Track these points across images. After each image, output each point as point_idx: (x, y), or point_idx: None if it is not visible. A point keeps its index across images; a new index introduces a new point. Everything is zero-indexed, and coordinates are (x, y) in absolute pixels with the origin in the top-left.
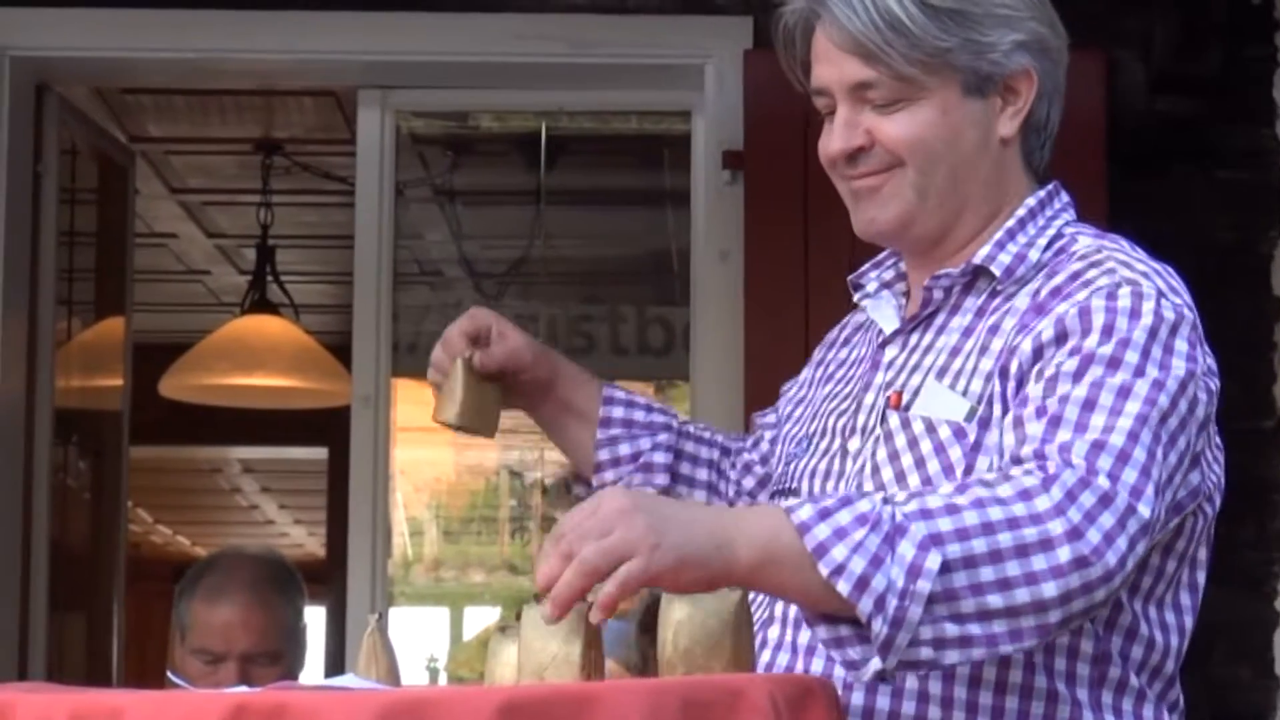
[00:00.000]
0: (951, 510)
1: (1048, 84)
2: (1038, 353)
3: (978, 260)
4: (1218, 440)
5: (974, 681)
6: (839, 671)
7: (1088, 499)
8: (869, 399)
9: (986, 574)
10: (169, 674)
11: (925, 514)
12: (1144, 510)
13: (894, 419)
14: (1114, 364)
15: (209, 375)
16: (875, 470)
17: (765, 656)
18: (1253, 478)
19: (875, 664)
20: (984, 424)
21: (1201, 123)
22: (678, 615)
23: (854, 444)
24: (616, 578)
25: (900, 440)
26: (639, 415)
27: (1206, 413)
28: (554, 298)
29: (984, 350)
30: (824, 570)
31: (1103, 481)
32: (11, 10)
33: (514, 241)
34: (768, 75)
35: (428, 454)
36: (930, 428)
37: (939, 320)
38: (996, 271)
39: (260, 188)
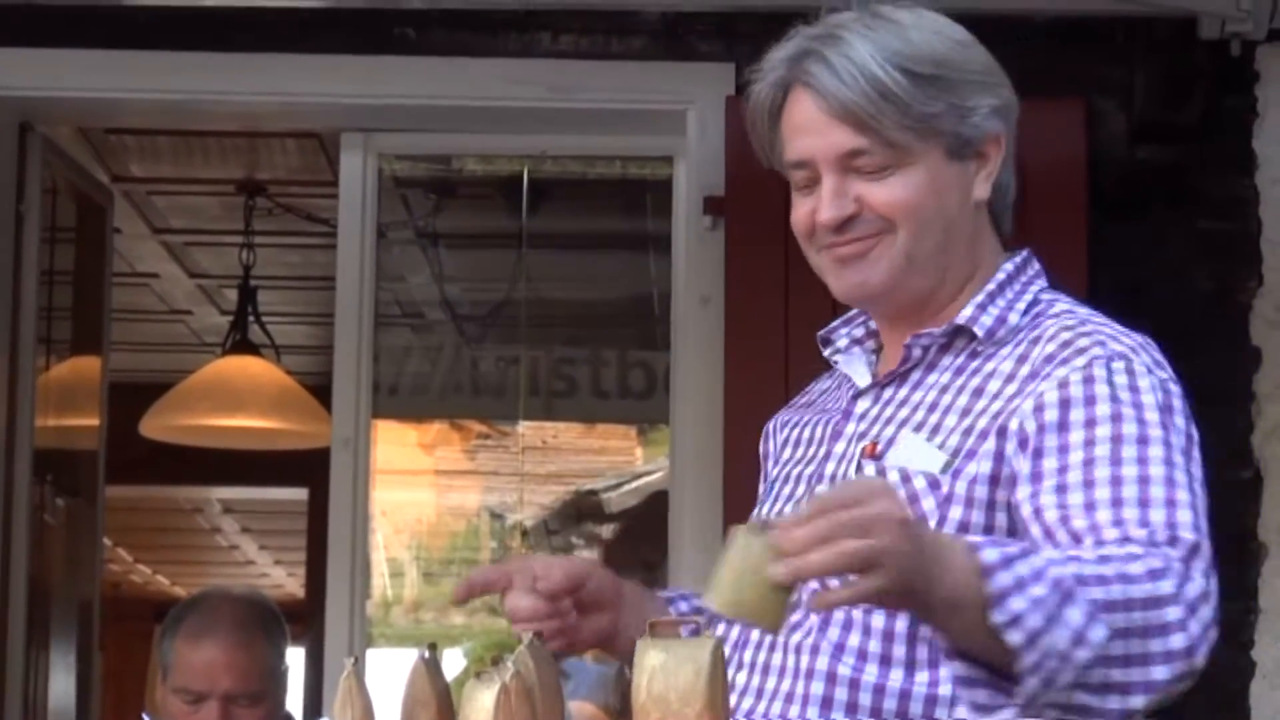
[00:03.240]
0: (1103, 581)
1: (1010, 148)
2: (1040, 412)
3: (960, 321)
4: None
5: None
6: (810, 715)
7: (1195, 586)
8: (839, 448)
9: (1117, 648)
10: (144, 717)
11: (1082, 580)
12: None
13: (869, 468)
14: (1144, 440)
15: (190, 415)
16: None
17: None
18: (1230, 527)
19: (1008, 714)
20: (956, 475)
21: (1181, 172)
22: (652, 661)
23: (823, 491)
24: (854, 590)
25: None
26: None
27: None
28: (536, 341)
29: (965, 411)
30: (999, 618)
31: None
32: None
33: (496, 284)
34: None
35: (409, 495)
36: (905, 478)
37: (915, 376)
38: (979, 333)
39: (243, 228)
